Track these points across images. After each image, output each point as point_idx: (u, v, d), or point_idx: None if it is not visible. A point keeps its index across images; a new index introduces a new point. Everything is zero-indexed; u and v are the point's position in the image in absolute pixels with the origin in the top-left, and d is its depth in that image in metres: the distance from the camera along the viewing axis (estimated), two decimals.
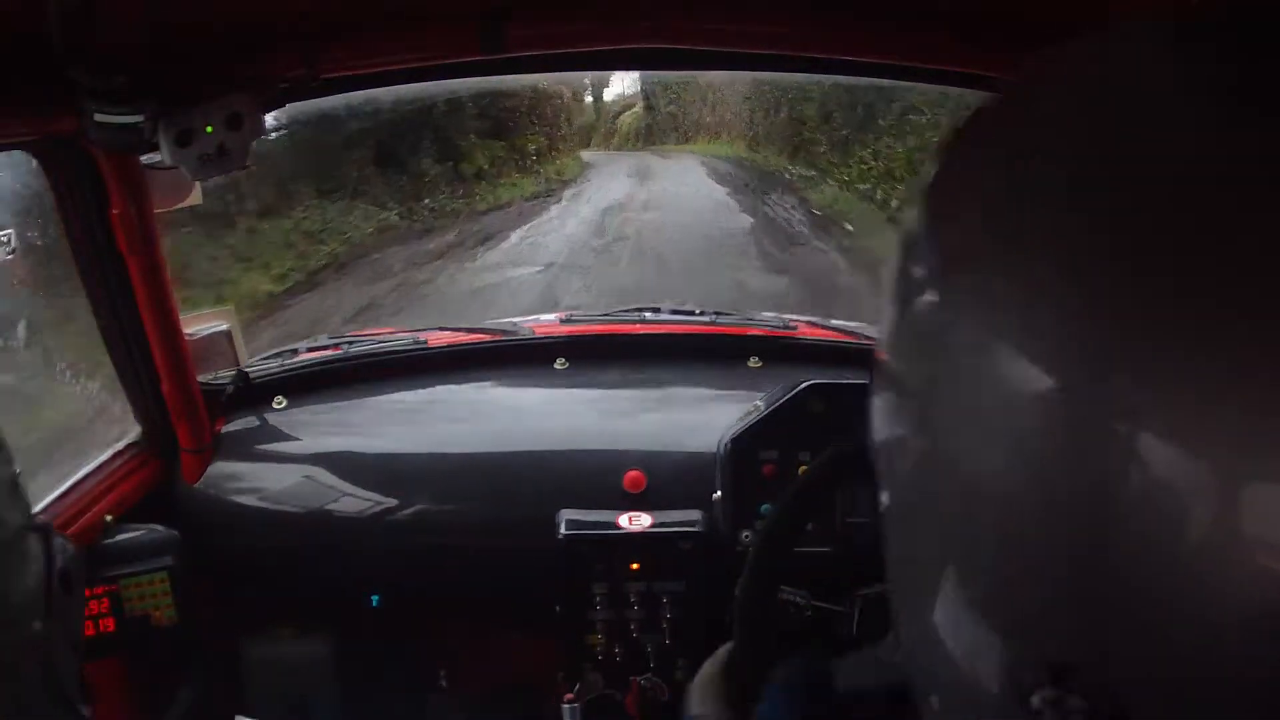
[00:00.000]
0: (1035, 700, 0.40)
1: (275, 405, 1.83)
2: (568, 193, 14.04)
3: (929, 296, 0.47)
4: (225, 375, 1.80)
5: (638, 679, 1.68)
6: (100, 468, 1.59)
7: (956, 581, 0.46)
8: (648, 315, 2.03)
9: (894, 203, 10.06)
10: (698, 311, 2.03)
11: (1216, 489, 0.34)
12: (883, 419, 0.55)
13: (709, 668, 0.89)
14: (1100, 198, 0.39)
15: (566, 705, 1.59)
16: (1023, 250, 0.41)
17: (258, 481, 1.75)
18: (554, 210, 12.65)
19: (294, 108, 1.38)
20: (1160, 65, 0.41)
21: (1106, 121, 0.41)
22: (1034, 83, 0.48)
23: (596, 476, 1.69)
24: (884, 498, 0.56)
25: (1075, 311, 0.38)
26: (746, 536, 1.60)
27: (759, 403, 1.67)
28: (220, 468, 1.74)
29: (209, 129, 1.23)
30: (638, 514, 1.64)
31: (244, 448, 1.78)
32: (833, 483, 0.80)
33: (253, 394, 1.82)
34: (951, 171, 0.50)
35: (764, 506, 1.59)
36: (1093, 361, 0.37)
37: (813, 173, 12.73)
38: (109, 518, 1.53)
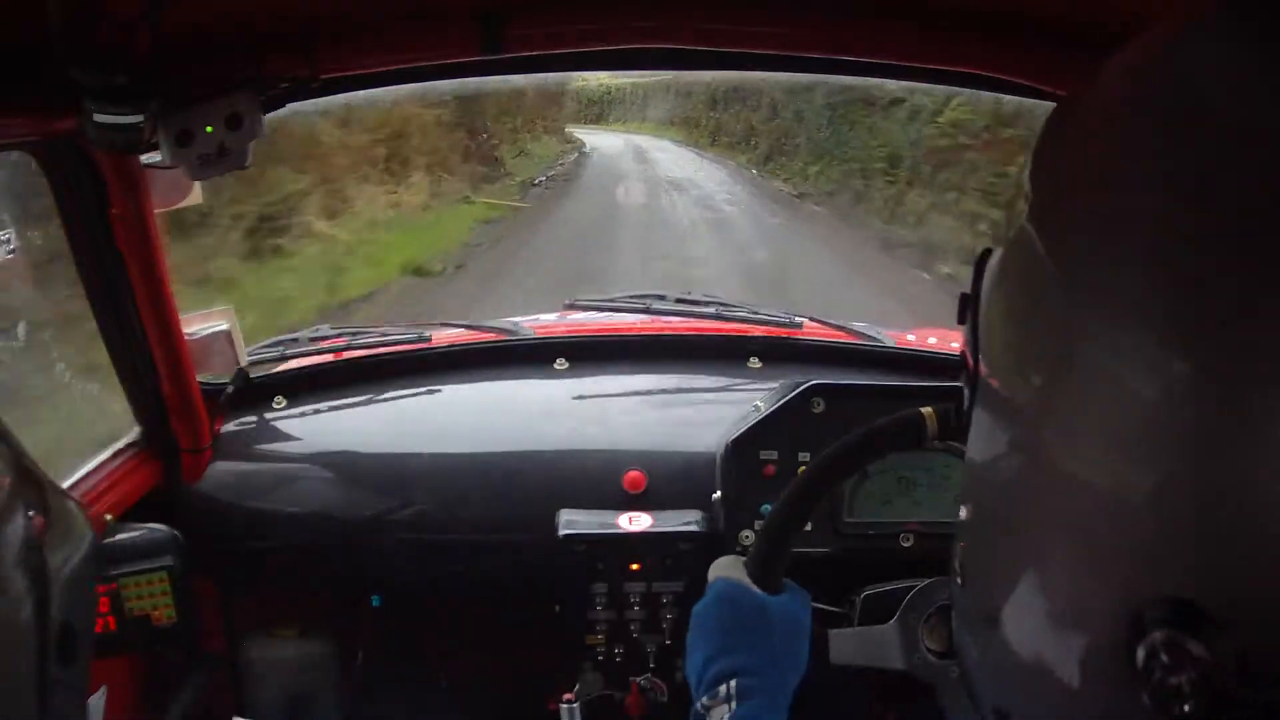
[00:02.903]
0: (1145, 646, 0.38)
1: (275, 405, 1.83)
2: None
3: (1046, 307, 0.46)
4: (225, 375, 1.80)
5: (637, 679, 1.68)
6: (100, 467, 1.59)
7: (1067, 530, 0.45)
8: (653, 304, 2.03)
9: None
10: (703, 301, 2.03)
11: None
12: (981, 439, 0.54)
13: (728, 557, 0.97)
14: (1233, 194, 0.38)
15: (565, 705, 1.59)
16: (1154, 251, 0.41)
17: (258, 481, 1.75)
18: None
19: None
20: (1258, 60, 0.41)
21: (1228, 119, 0.40)
22: (1136, 82, 0.47)
23: (596, 476, 1.69)
24: (965, 510, 0.56)
25: (1213, 303, 0.38)
26: (747, 537, 1.60)
27: (760, 403, 1.67)
28: (220, 468, 1.74)
29: (209, 129, 1.23)
30: (638, 514, 1.64)
31: (244, 448, 1.78)
32: (902, 441, 0.80)
33: (253, 394, 1.82)
34: (1064, 176, 0.48)
35: (764, 506, 1.59)
36: (1229, 348, 0.37)
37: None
38: (109, 517, 1.52)
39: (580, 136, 22.78)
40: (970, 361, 0.56)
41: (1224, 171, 0.39)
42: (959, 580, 0.59)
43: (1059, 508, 0.44)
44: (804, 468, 1.57)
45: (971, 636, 0.57)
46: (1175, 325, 0.39)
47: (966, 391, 0.58)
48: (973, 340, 0.56)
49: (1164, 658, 0.37)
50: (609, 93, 26.05)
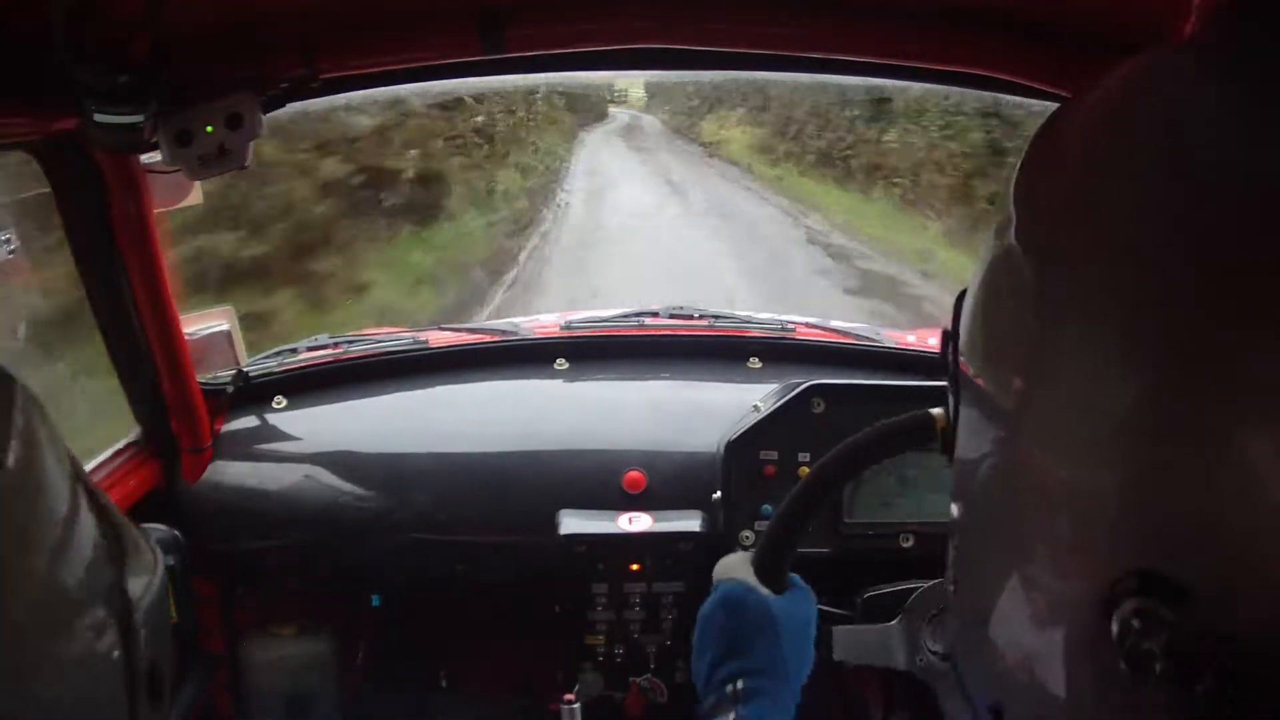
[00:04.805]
0: (1118, 615, 0.40)
1: (275, 405, 1.83)
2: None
3: (1026, 311, 0.48)
4: (225, 375, 1.80)
5: (637, 680, 1.68)
6: (100, 467, 1.58)
7: (1044, 501, 0.47)
8: (646, 320, 2.03)
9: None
10: (695, 315, 2.03)
11: None
12: (968, 437, 0.55)
13: (734, 556, 0.97)
14: (1208, 209, 0.40)
15: (566, 705, 1.59)
16: (1132, 258, 0.42)
17: (258, 481, 1.75)
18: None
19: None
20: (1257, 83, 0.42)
21: (1216, 133, 0.42)
22: (1128, 95, 0.49)
23: (596, 476, 1.69)
24: (956, 508, 0.57)
25: (1183, 314, 0.39)
26: (747, 537, 1.60)
27: (759, 404, 1.67)
28: (220, 467, 1.74)
29: (209, 129, 1.23)
30: (637, 514, 1.64)
31: (244, 448, 1.78)
32: (912, 440, 0.80)
33: (253, 394, 1.82)
34: (1047, 180, 0.50)
35: (765, 507, 1.59)
36: (1199, 358, 0.39)
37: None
38: None
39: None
40: (953, 398, 0.59)
41: (1195, 201, 0.41)
42: (952, 579, 0.60)
43: (1035, 504, 0.47)
44: (805, 468, 1.58)
45: (964, 634, 0.59)
46: (1141, 339, 0.41)
47: (950, 415, 0.60)
48: (954, 374, 0.58)
49: (1135, 623, 0.39)
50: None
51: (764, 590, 0.91)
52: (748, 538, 1.60)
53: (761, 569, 0.92)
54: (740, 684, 0.85)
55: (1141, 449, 0.41)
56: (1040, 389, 0.46)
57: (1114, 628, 0.40)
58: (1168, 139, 0.43)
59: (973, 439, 0.54)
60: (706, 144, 20.32)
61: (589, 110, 22.47)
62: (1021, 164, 0.52)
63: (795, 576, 0.94)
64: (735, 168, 17.09)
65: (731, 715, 0.84)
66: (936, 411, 0.76)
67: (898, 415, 0.83)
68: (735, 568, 0.94)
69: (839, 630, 1.23)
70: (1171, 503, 0.40)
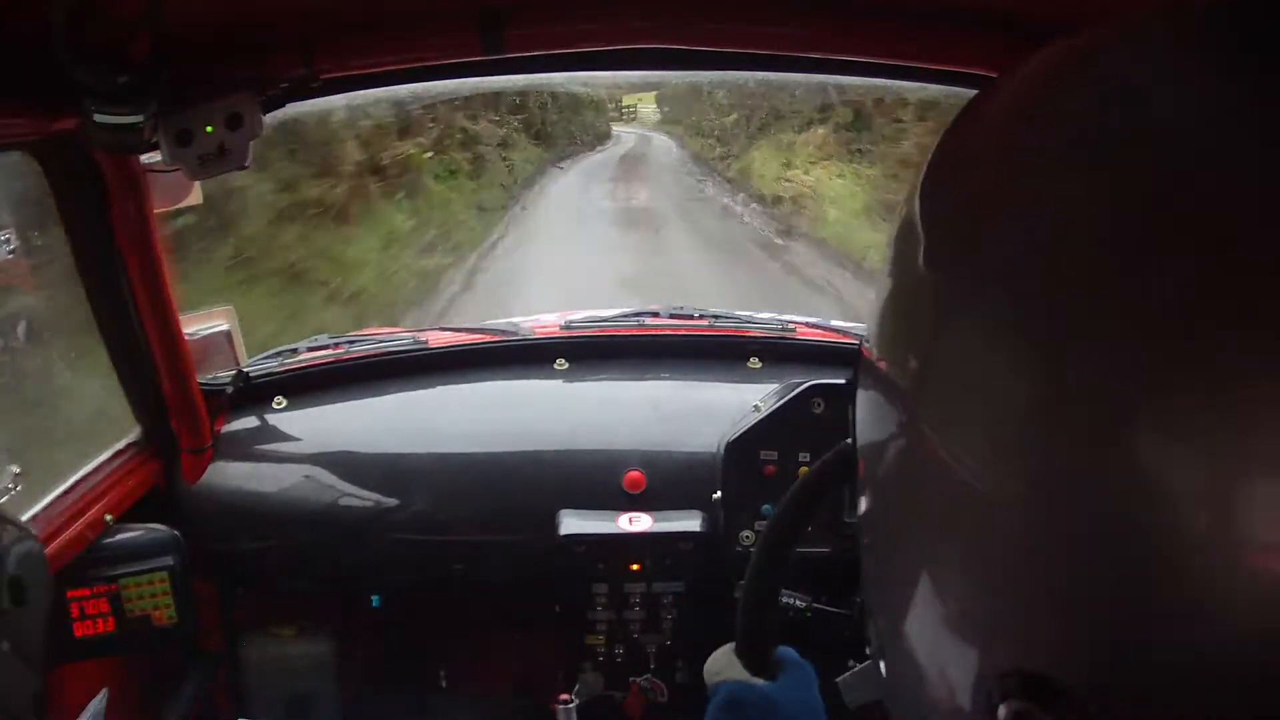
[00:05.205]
0: (1002, 712, 0.39)
1: (275, 405, 1.83)
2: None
3: (921, 291, 0.46)
4: (225, 375, 1.80)
5: (637, 680, 1.68)
6: (100, 467, 1.59)
7: (932, 589, 0.46)
8: (646, 320, 2.03)
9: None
10: (695, 315, 2.03)
11: (1212, 489, 0.33)
12: (867, 419, 0.54)
13: (719, 654, 0.95)
14: (1112, 193, 0.38)
15: (562, 706, 1.60)
16: (1022, 245, 0.41)
17: (258, 481, 1.75)
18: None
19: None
20: (1187, 61, 0.40)
21: (1127, 119, 0.40)
22: (1040, 78, 0.47)
23: (596, 477, 1.69)
24: (863, 502, 0.56)
25: (1074, 312, 0.37)
26: (747, 537, 1.60)
27: (759, 404, 1.67)
28: (220, 468, 1.74)
29: (209, 129, 1.23)
30: (637, 514, 1.64)
31: (244, 448, 1.78)
32: (835, 481, 0.79)
33: (253, 394, 1.82)
34: (951, 166, 0.49)
35: (765, 507, 1.59)
36: (1090, 362, 0.36)
37: None
38: (109, 517, 1.53)
39: None
40: (852, 435, 0.57)
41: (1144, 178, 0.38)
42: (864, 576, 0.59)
43: (930, 485, 0.45)
44: (804, 468, 1.58)
45: (873, 647, 0.57)
46: (1046, 335, 0.39)
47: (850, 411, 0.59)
48: (853, 427, 0.57)
49: None
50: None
51: (759, 683, 0.89)
52: (747, 538, 1.60)
53: (748, 658, 0.90)
54: None
55: (1039, 446, 0.38)
56: (934, 376, 0.44)
57: (1000, 716, 0.39)
58: (1080, 126, 0.41)
59: (873, 423, 0.53)
60: (767, 201, 10.50)
61: (579, 134, 16.52)
62: (937, 146, 0.51)
63: (788, 651, 0.93)
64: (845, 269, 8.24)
65: None
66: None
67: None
68: (724, 667, 0.93)
69: (843, 681, 1.23)
70: (1069, 572, 0.37)
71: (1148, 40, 0.42)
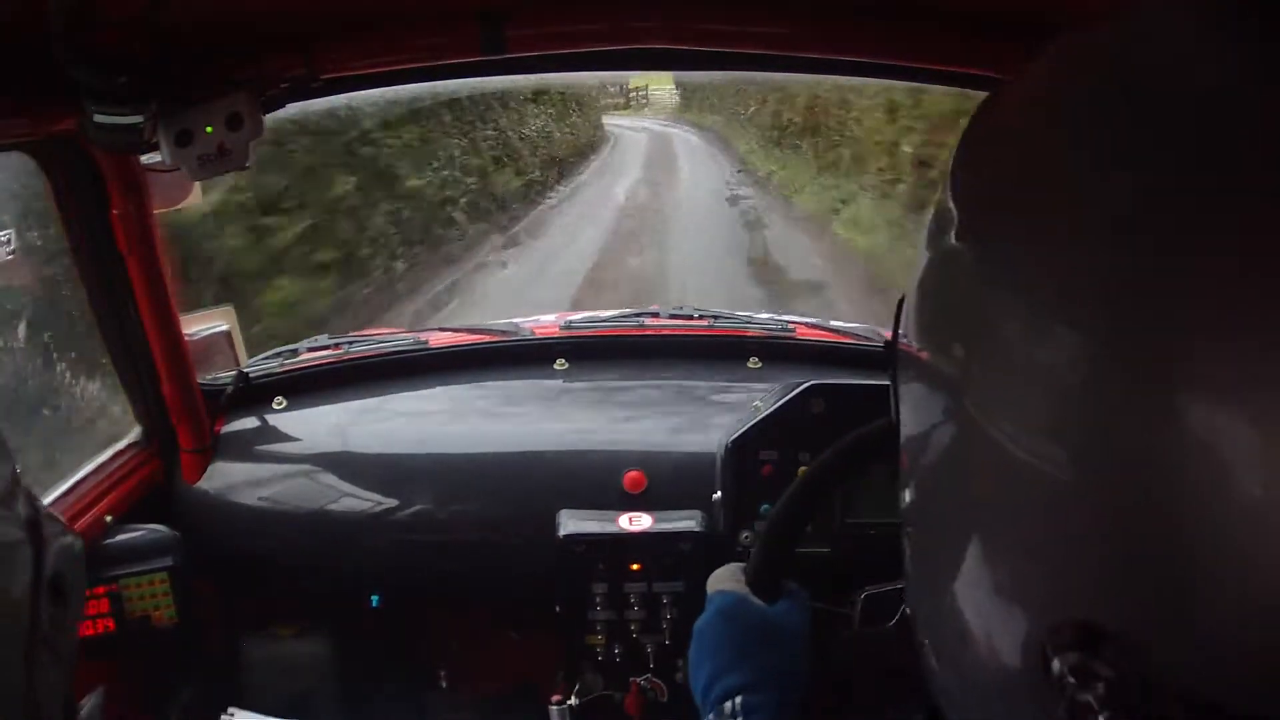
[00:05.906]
0: (1056, 665, 0.39)
1: (275, 405, 1.83)
2: None
3: (960, 277, 0.47)
4: (225, 375, 1.80)
5: (637, 680, 1.68)
6: (100, 468, 1.59)
7: (981, 559, 0.46)
8: (646, 320, 2.03)
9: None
10: (695, 315, 2.04)
11: (1263, 449, 0.33)
12: (911, 412, 0.54)
13: (726, 568, 0.97)
14: (1144, 165, 0.39)
15: (554, 707, 1.60)
16: (1063, 219, 0.41)
17: (258, 481, 1.75)
18: None
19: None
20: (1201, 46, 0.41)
21: (1170, 83, 0.40)
22: (1068, 64, 0.48)
23: (596, 476, 1.69)
24: (906, 494, 0.56)
25: (1117, 275, 0.38)
26: (747, 537, 1.60)
27: (759, 403, 1.67)
28: (220, 468, 1.74)
29: (209, 129, 1.23)
30: (637, 514, 1.64)
31: (244, 448, 1.78)
32: (887, 442, 0.80)
33: (253, 394, 1.82)
34: (988, 149, 0.50)
35: (764, 507, 1.59)
36: (1135, 323, 0.37)
37: None
38: (109, 518, 1.53)
39: None
40: (894, 406, 0.58)
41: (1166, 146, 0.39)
42: (906, 572, 0.59)
43: (981, 475, 0.46)
44: (804, 468, 1.58)
45: (917, 634, 0.58)
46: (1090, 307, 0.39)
47: (893, 404, 0.59)
48: (894, 386, 0.58)
49: (1071, 679, 0.39)
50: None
51: (758, 601, 0.91)
52: (747, 538, 1.60)
53: (755, 579, 0.92)
54: (738, 700, 0.84)
55: (1084, 417, 0.39)
56: (980, 360, 0.44)
57: (1055, 669, 0.39)
58: (1129, 86, 0.41)
59: (917, 413, 0.53)
60: None
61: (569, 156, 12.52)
62: (965, 134, 0.52)
63: (790, 584, 0.94)
64: None
65: None
66: None
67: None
68: (728, 579, 0.94)
69: (838, 638, 1.23)
70: (1117, 527, 0.38)
71: (1182, 12, 0.43)
